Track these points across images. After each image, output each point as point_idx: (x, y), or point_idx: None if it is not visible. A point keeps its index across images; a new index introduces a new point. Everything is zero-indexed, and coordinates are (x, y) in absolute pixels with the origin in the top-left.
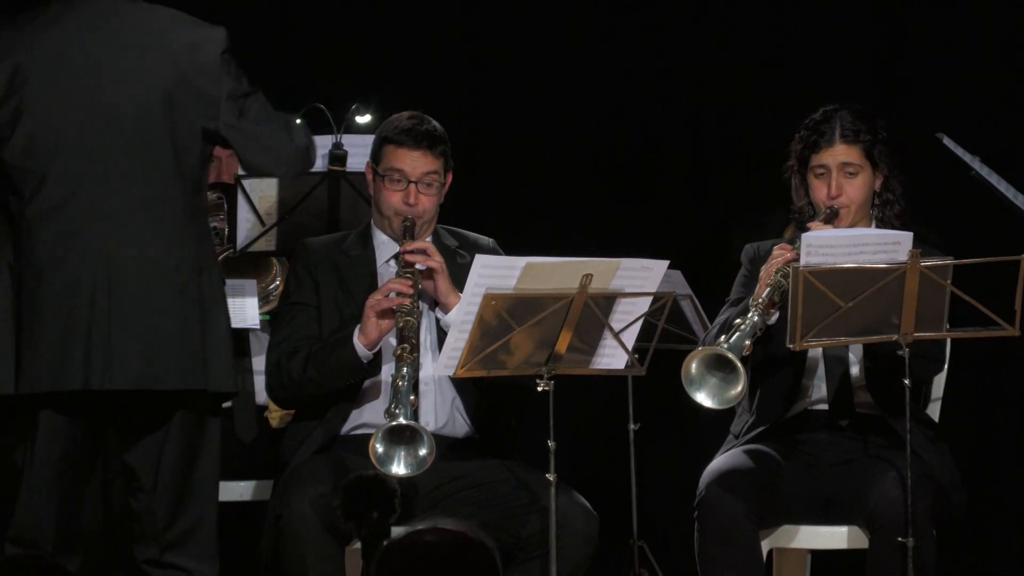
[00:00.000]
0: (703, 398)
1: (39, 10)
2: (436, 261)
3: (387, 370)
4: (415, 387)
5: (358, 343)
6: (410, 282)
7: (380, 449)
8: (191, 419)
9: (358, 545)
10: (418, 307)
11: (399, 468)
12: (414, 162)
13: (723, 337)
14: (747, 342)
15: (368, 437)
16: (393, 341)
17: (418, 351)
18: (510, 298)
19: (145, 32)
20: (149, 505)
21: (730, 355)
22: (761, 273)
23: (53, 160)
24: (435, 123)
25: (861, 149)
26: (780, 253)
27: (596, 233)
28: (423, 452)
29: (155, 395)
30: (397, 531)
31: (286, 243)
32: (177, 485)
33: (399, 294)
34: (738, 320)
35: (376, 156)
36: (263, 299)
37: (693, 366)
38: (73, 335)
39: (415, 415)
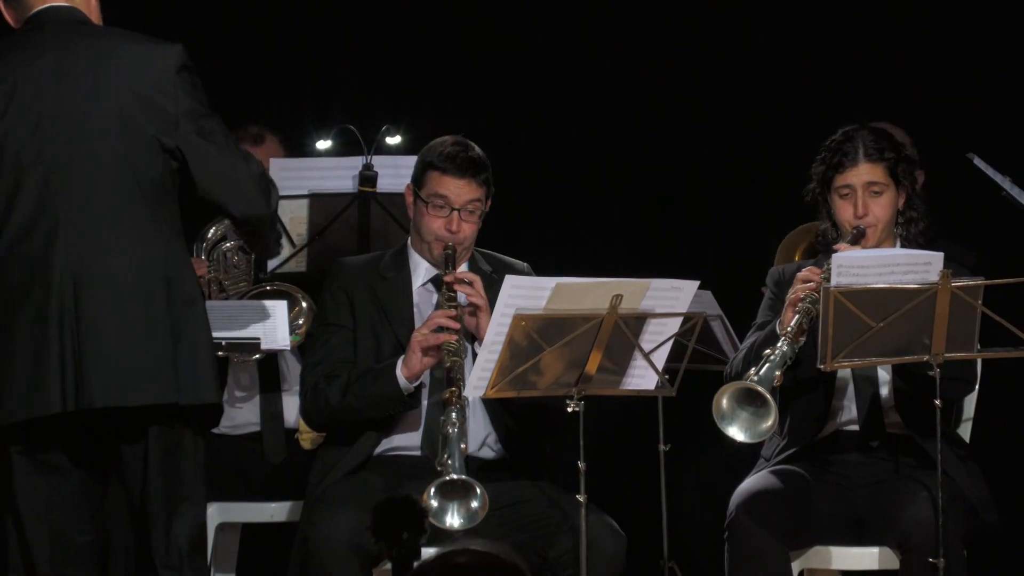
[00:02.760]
0: (735, 432)
1: (12, 39)
2: (481, 298)
3: (426, 397)
4: (463, 437)
5: (401, 375)
6: (455, 313)
7: (434, 503)
8: (169, 436)
9: (388, 566)
10: (463, 344)
11: (453, 520)
12: (458, 190)
13: (753, 370)
14: (777, 372)
15: (398, 459)
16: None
17: (464, 396)
18: (540, 318)
19: (99, 52)
20: (145, 533)
21: (761, 389)
22: (788, 297)
23: (19, 187)
24: (478, 149)
25: (885, 167)
26: (806, 277)
27: (628, 253)
28: (475, 505)
29: (132, 414)
30: (428, 552)
31: (317, 264)
32: (165, 507)
33: (445, 329)
34: (768, 351)
35: (419, 180)
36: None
37: (724, 401)
38: (44, 360)
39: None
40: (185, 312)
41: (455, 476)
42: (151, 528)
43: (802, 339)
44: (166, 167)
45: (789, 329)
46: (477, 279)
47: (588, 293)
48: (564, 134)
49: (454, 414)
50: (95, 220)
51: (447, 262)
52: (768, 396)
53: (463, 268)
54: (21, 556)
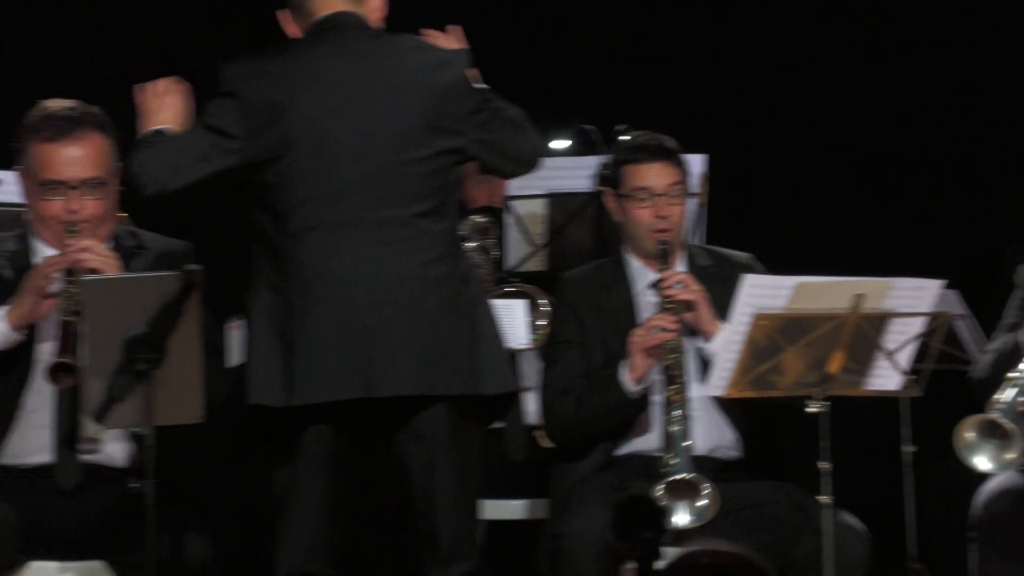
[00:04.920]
0: (981, 462)
1: (298, 43)
2: (694, 291)
3: (657, 395)
4: (687, 435)
5: (625, 380)
6: (674, 317)
7: (663, 502)
8: (458, 429)
9: (632, 566)
10: (683, 341)
11: (682, 518)
12: (656, 175)
13: (996, 396)
14: (1021, 399)
15: (641, 459)
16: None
17: (687, 391)
18: (780, 318)
19: (394, 57)
20: (429, 526)
21: (1004, 422)
22: None
23: (311, 177)
24: (665, 137)
25: None
26: None
27: (860, 248)
28: (703, 502)
29: (421, 405)
30: (670, 552)
31: (556, 263)
32: (453, 499)
33: (663, 330)
34: (1013, 373)
35: (615, 181)
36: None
37: (967, 434)
38: (349, 345)
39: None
40: (477, 306)
41: (682, 475)
42: (437, 519)
43: None
44: (452, 166)
45: None
46: (687, 275)
47: (829, 292)
48: (793, 124)
49: (677, 412)
50: (392, 213)
51: (663, 256)
52: (1012, 427)
53: (679, 265)
54: (296, 550)
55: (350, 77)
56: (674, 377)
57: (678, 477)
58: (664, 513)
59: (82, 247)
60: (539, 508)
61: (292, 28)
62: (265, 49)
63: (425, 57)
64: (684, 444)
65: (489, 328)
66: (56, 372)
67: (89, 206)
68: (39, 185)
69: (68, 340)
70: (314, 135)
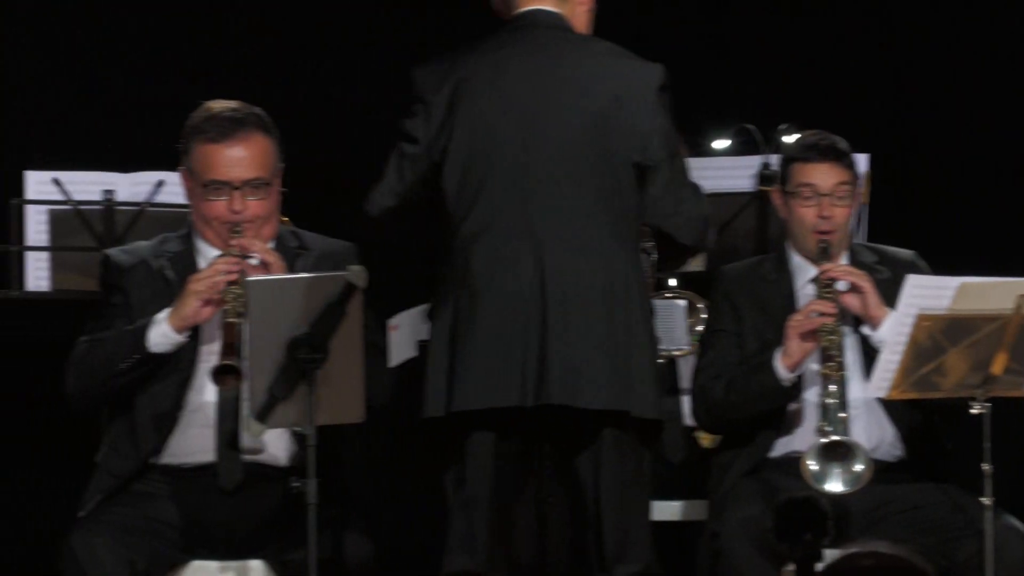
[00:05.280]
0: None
1: (486, 42)
2: (859, 274)
3: (811, 395)
4: (844, 407)
5: (779, 366)
6: (832, 303)
7: (814, 467)
8: (624, 442)
9: (791, 567)
10: (841, 326)
11: (835, 485)
12: (823, 175)
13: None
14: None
15: (796, 460)
16: (814, 366)
17: (844, 369)
18: (944, 319)
19: (582, 62)
20: (595, 536)
21: (845, 439)
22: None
23: (485, 181)
24: (837, 137)
25: None
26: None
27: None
28: (858, 468)
29: (583, 415)
30: (831, 554)
31: (716, 263)
32: (615, 512)
33: (821, 314)
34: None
35: (784, 178)
36: (687, 342)
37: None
38: (509, 352)
39: (846, 432)
40: (642, 324)
41: (836, 438)
42: (603, 524)
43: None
44: (629, 179)
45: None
46: (848, 266)
47: (993, 292)
48: (959, 123)
49: (832, 387)
50: (563, 221)
51: (822, 255)
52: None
53: (842, 261)
54: (459, 553)
55: (529, 81)
56: (831, 355)
57: (834, 439)
58: (828, 516)
59: (245, 247)
60: (698, 509)
61: (496, 4)
62: (454, 49)
63: (615, 66)
64: (840, 415)
65: (647, 349)
66: (220, 374)
67: (252, 206)
68: (202, 186)
69: (232, 342)
70: (485, 139)
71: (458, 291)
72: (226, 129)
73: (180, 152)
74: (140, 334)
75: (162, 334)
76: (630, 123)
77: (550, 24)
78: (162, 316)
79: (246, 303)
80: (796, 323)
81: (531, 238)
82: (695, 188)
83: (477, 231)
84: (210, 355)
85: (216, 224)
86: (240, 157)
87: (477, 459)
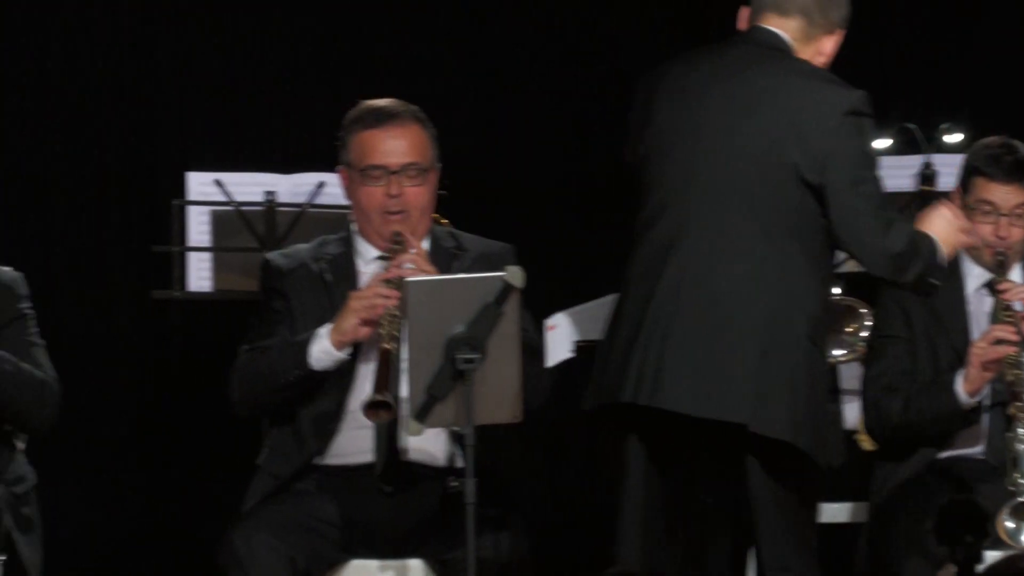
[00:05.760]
0: None
1: (697, 54)
2: None
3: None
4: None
5: (959, 391)
6: (1013, 328)
7: (1011, 525)
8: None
9: (951, 569)
10: None
11: None
12: (1005, 195)
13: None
14: None
15: (964, 463)
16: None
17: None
18: None
19: (772, 77)
20: (757, 537)
21: None
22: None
23: (652, 186)
24: (1022, 149)
25: None
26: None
27: None
28: None
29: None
30: (991, 556)
31: None
32: (774, 523)
33: (1003, 342)
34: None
35: (965, 185)
36: (849, 348)
37: (1006, 523)
38: (632, 349)
39: None
40: (784, 337)
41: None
42: (761, 530)
43: None
44: (804, 200)
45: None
46: None
47: None
48: None
49: (1021, 430)
50: (718, 230)
51: (999, 267)
52: None
53: (1015, 274)
54: (619, 539)
55: (710, 92)
56: (1018, 393)
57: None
58: (988, 518)
59: (407, 260)
60: (859, 511)
61: (744, 27)
62: (675, 57)
63: (806, 85)
64: None
65: (788, 368)
66: (372, 408)
67: (409, 193)
68: (360, 172)
69: (385, 373)
70: (660, 144)
71: (620, 288)
72: (383, 117)
73: (338, 148)
74: (302, 350)
75: (323, 350)
76: (807, 141)
77: (763, 42)
78: (324, 331)
79: (404, 306)
80: (979, 351)
81: (686, 243)
82: (888, 222)
83: (640, 232)
84: (370, 359)
85: (375, 216)
86: (397, 143)
87: (630, 459)
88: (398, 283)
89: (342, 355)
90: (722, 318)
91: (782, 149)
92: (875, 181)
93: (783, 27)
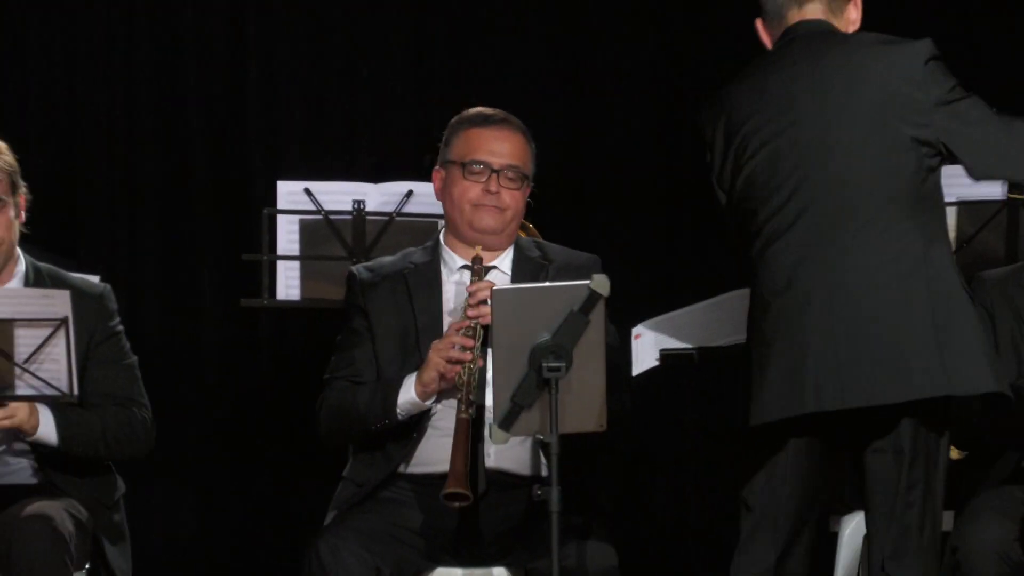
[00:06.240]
0: None
1: (749, 66)
2: None
3: None
4: None
5: None
6: None
7: None
8: (929, 433)
9: None
10: None
11: None
12: None
13: None
14: None
15: None
16: None
17: None
18: None
19: (845, 55)
20: (881, 529)
21: None
22: None
23: (771, 199)
24: None
25: None
26: None
27: None
28: None
29: (886, 412)
30: None
31: (964, 271)
32: (913, 506)
33: None
34: None
35: None
36: None
37: None
38: (801, 356)
39: None
40: (948, 303)
41: None
42: (883, 530)
43: None
44: (921, 163)
45: None
46: None
47: None
48: None
49: None
50: (851, 224)
51: None
52: None
53: None
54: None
55: (792, 89)
56: None
57: None
58: None
59: (483, 296)
60: (945, 520)
61: (766, 37)
62: (726, 83)
63: (879, 51)
64: None
65: (963, 325)
66: (451, 500)
67: (506, 195)
68: (462, 166)
69: (462, 456)
70: (764, 160)
71: (754, 303)
72: (493, 120)
73: (435, 152)
74: (391, 401)
75: (409, 401)
76: (906, 102)
77: (813, 31)
78: (410, 383)
79: (478, 387)
80: None
81: (822, 247)
82: (1008, 125)
83: (762, 250)
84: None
85: (467, 207)
86: (503, 145)
87: (787, 472)
88: (475, 331)
89: (427, 404)
90: (884, 303)
91: (887, 120)
92: (972, 102)
93: (814, 14)
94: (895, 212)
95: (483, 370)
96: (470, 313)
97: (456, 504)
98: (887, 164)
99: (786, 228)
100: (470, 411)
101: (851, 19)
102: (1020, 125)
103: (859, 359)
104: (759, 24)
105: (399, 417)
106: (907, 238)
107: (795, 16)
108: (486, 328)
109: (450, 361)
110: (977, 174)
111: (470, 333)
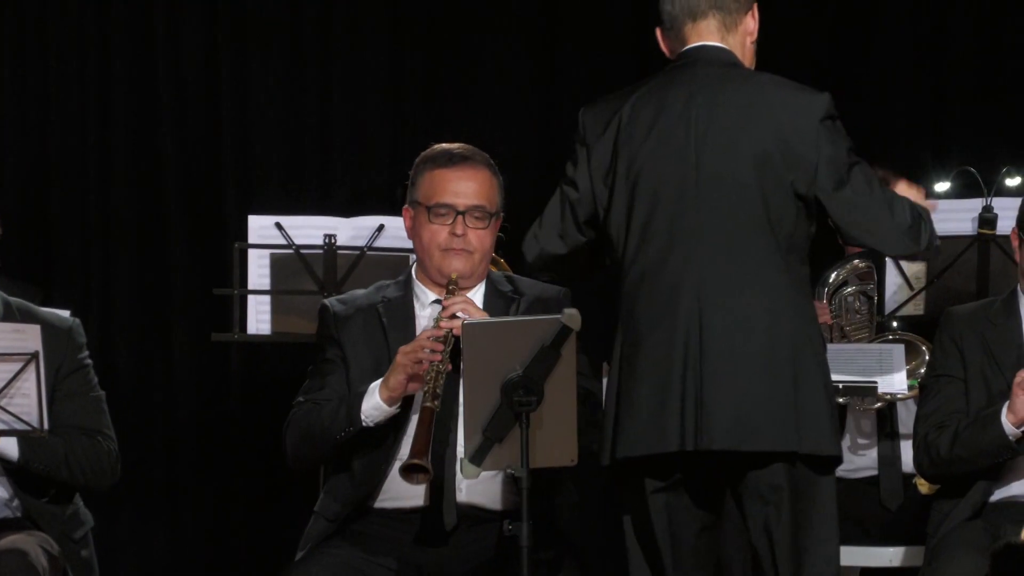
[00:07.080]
0: None
1: (648, 80)
2: None
3: None
4: None
5: (1006, 421)
6: None
7: None
8: (796, 482)
9: None
10: None
11: None
12: None
13: None
14: None
15: (1017, 505)
16: None
17: None
18: None
19: (745, 97)
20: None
21: None
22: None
23: (649, 225)
24: None
25: None
26: None
27: None
28: None
29: (758, 457)
30: None
31: (935, 307)
32: (792, 555)
33: None
34: None
35: (1021, 223)
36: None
37: None
38: (667, 398)
39: None
40: (808, 358)
41: None
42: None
43: None
44: (799, 215)
45: None
46: None
47: None
48: None
49: None
50: (724, 260)
51: None
52: None
53: None
54: None
55: (688, 120)
56: None
57: None
58: None
59: (456, 309)
60: (916, 555)
61: (665, 47)
62: (620, 91)
63: (777, 97)
64: None
65: (816, 381)
66: (409, 472)
67: (472, 236)
68: (427, 209)
69: (425, 434)
70: (647, 183)
71: (624, 338)
72: (456, 158)
73: (407, 187)
74: (355, 409)
75: (374, 407)
76: (794, 155)
77: (713, 59)
78: (375, 387)
79: (443, 383)
80: (1020, 379)
81: (693, 279)
82: (890, 201)
83: (639, 277)
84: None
85: (436, 252)
86: (467, 184)
87: (650, 507)
88: (446, 338)
89: (393, 410)
90: (750, 348)
91: (774, 168)
92: (861, 170)
93: (709, 33)
94: (768, 258)
95: (450, 374)
96: (443, 324)
97: (416, 477)
98: (767, 209)
99: (662, 264)
100: (435, 403)
101: (748, 30)
102: (899, 204)
103: (722, 405)
104: (659, 33)
105: (364, 423)
106: (776, 286)
107: (690, 32)
108: (457, 339)
109: (417, 362)
110: (846, 238)
111: (440, 340)
